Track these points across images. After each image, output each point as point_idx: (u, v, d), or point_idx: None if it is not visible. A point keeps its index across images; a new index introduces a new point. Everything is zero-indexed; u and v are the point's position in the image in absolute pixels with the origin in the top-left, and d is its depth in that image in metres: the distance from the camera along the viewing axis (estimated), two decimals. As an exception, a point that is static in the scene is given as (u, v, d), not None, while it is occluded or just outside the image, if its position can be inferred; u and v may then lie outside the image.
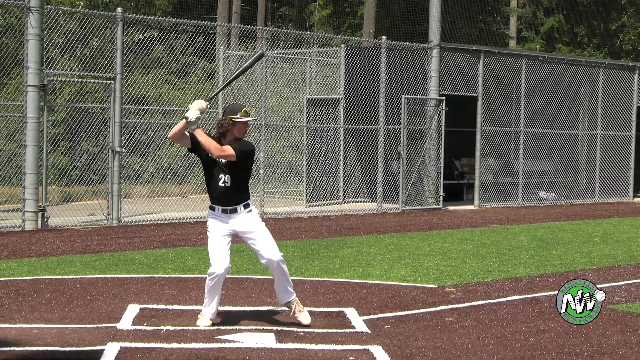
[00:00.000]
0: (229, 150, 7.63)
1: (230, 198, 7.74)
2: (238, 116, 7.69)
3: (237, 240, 8.22)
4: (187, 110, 7.66)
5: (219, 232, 7.82)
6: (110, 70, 15.98)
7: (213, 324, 7.75)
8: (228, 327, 7.65)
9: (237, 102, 21.33)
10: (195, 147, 7.72)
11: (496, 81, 21.68)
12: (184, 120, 7.60)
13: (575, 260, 12.50)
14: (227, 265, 7.77)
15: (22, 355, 6.71)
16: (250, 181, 8.11)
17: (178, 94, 21.52)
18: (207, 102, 7.70)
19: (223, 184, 7.73)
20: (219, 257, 7.77)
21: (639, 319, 8.55)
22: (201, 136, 7.60)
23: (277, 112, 20.82)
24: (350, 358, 6.84)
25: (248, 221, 7.79)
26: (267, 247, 7.78)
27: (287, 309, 7.92)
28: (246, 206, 7.81)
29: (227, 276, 10.32)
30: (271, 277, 10.21)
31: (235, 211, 7.77)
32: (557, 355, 7.07)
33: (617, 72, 25.08)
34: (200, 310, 7.93)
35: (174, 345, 7.04)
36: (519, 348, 7.27)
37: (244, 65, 8.22)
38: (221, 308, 8.35)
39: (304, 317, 7.81)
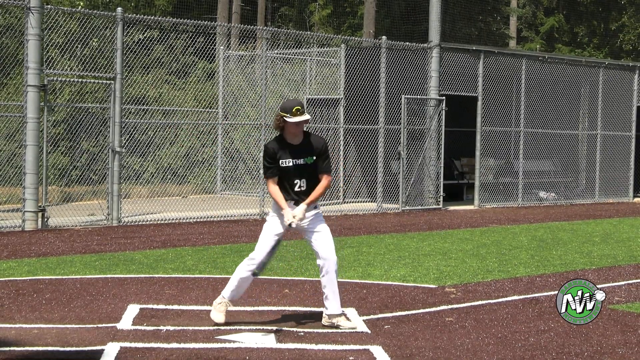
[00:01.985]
0: (329, 177, 7.76)
1: (303, 198, 7.72)
2: (289, 115, 7.59)
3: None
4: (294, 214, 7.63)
5: (281, 225, 7.75)
6: (110, 70, 15.98)
7: (207, 323, 7.73)
8: (228, 327, 7.65)
9: (237, 101, 21.36)
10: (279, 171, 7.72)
11: (496, 81, 21.68)
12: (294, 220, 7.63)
13: (575, 260, 12.50)
14: (270, 258, 7.80)
15: (22, 355, 6.71)
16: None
17: (178, 94, 21.52)
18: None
19: (299, 188, 7.70)
20: (267, 249, 7.74)
21: (639, 319, 8.55)
22: (313, 199, 7.67)
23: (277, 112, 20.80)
24: (350, 358, 6.84)
25: (313, 219, 7.78)
26: (328, 245, 7.78)
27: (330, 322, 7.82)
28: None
29: (226, 276, 10.35)
30: (270, 277, 10.22)
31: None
32: (557, 355, 7.07)
33: (617, 72, 25.08)
34: (217, 303, 7.83)
35: (174, 345, 7.03)
36: (519, 348, 7.27)
37: None
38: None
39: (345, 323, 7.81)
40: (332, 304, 7.76)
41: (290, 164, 7.64)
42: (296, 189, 7.68)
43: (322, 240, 7.78)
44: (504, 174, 22.82)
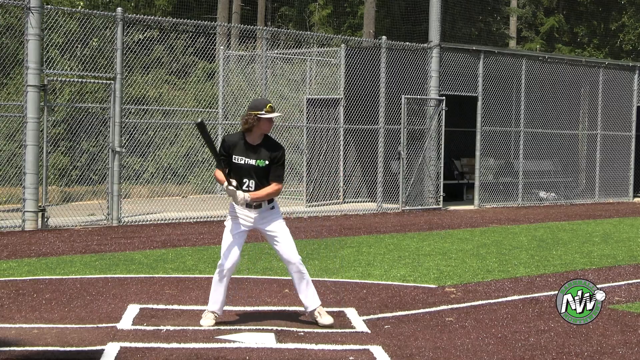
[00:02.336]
0: (279, 186, 7.70)
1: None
2: (263, 112, 7.63)
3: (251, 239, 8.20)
4: (236, 192, 7.62)
5: (236, 226, 7.78)
6: (110, 70, 15.98)
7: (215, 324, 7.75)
8: (228, 327, 7.65)
9: (237, 101, 21.36)
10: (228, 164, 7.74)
11: (496, 81, 21.68)
12: (228, 187, 7.62)
13: (575, 260, 12.50)
14: (236, 260, 7.77)
15: (22, 355, 6.71)
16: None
17: (178, 94, 21.52)
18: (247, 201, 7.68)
19: (247, 188, 7.70)
20: (230, 251, 7.74)
21: (639, 319, 8.55)
22: (257, 196, 7.63)
23: (277, 112, 20.77)
24: (350, 358, 6.84)
25: (271, 218, 7.77)
26: (288, 248, 7.77)
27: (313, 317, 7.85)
28: (270, 201, 7.78)
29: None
30: (270, 277, 10.23)
31: (259, 206, 7.75)
32: (557, 355, 7.07)
33: (617, 72, 25.08)
34: (204, 310, 7.93)
35: (174, 345, 7.04)
36: (519, 348, 7.27)
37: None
38: (221, 308, 8.36)
39: (325, 319, 7.79)
40: (308, 300, 7.79)
41: (242, 162, 7.66)
42: (244, 187, 7.69)
43: (282, 245, 7.77)
44: (504, 174, 22.82)
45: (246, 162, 7.66)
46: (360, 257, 12.15)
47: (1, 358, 6.60)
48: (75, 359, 6.68)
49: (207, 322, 7.74)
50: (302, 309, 8.48)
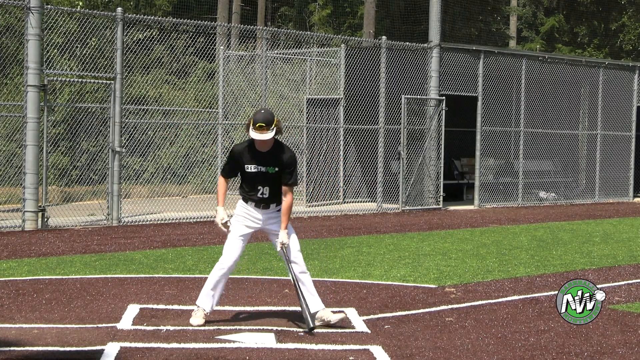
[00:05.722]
0: (292, 193, 7.77)
1: (266, 202, 7.81)
2: (251, 129, 7.56)
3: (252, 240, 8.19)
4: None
5: (242, 227, 7.84)
6: (110, 70, 15.98)
7: (206, 323, 7.74)
8: (228, 327, 7.65)
9: (237, 101, 21.37)
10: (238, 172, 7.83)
11: (496, 81, 21.68)
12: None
13: (575, 260, 12.50)
14: (236, 260, 7.86)
15: (22, 355, 6.71)
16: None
17: (178, 94, 21.52)
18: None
19: (261, 196, 7.77)
20: (232, 251, 7.81)
21: (639, 319, 8.55)
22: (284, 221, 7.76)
23: (277, 112, 20.80)
24: (350, 358, 6.84)
25: (278, 219, 7.82)
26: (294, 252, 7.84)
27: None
28: (278, 203, 7.82)
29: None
30: (270, 277, 10.24)
31: (267, 207, 7.80)
32: (557, 355, 7.08)
33: (617, 72, 25.08)
34: (194, 309, 7.91)
35: (174, 345, 7.04)
36: (519, 348, 7.28)
37: None
38: (221, 308, 8.35)
39: (333, 317, 7.79)
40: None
41: (255, 170, 7.69)
42: (259, 195, 7.76)
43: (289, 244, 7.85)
44: (504, 174, 22.82)
45: (258, 169, 7.68)
46: (360, 257, 12.15)
47: (1, 358, 6.60)
48: (75, 359, 6.68)
49: (197, 321, 7.75)
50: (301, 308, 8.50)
